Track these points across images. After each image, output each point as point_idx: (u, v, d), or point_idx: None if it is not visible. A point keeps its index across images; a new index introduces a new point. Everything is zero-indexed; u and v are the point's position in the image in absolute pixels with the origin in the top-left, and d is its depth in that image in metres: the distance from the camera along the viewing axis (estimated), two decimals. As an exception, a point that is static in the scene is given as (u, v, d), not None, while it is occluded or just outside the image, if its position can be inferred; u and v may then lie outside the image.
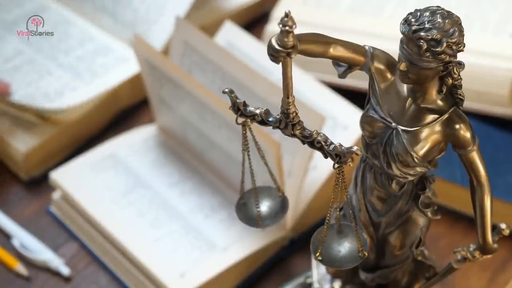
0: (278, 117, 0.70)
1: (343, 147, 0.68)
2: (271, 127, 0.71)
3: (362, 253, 0.73)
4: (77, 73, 1.13)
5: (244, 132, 0.73)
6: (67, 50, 1.16)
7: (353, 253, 0.73)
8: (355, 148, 0.67)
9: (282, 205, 0.78)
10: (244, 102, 0.71)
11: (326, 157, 0.70)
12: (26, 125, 1.08)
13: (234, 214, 0.78)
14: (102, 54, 1.15)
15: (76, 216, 1.02)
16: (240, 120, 0.71)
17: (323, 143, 0.69)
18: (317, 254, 0.73)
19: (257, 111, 0.71)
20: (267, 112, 0.71)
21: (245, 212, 0.78)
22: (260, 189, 0.77)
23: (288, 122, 0.69)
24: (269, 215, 0.77)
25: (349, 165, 0.68)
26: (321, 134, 0.69)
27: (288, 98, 0.68)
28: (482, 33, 1.08)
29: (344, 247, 0.74)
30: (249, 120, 0.71)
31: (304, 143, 0.70)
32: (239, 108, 0.71)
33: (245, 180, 0.77)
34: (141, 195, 1.02)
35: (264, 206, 0.77)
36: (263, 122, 0.71)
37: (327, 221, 0.73)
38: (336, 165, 0.69)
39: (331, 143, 0.69)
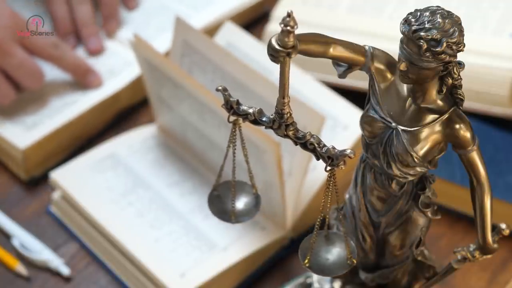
0: (271, 117, 0.70)
1: (336, 150, 0.68)
2: (264, 126, 0.71)
3: (350, 261, 0.73)
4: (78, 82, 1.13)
5: (233, 130, 0.73)
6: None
7: (341, 261, 0.73)
8: (348, 151, 0.67)
9: (256, 202, 0.78)
10: (237, 100, 0.70)
11: (318, 159, 0.69)
12: (26, 124, 1.08)
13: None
14: (104, 60, 1.16)
15: (76, 216, 1.02)
16: (232, 118, 0.71)
17: (316, 145, 0.69)
18: (306, 261, 0.73)
19: (250, 110, 0.70)
20: (260, 112, 0.70)
21: (218, 205, 0.77)
22: (235, 184, 0.77)
23: (281, 122, 0.69)
24: (244, 211, 0.77)
25: (341, 168, 0.68)
26: (314, 136, 0.69)
27: (283, 98, 0.68)
28: (482, 33, 1.08)
29: (333, 254, 0.73)
30: (240, 119, 0.71)
31: (296, 145, 0.70)
32: (232, 106, 0.71)
33: (223, 175, 0.77)
34: (141, 195, 1.02)
35: (240, 202, 0.77)
36: (256, 122, 0.71)
37: (316, 227, 0.73)
38: (328, 168, 0.69)
39: (324, 145, 0.69)
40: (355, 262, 0.73)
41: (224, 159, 0.75)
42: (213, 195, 0.78)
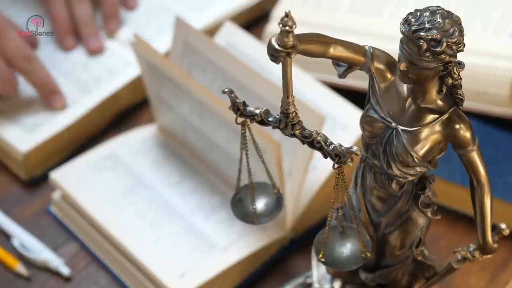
0: (278, 117, 0.70)
1: (342, 147, 0.68)
2: (271, 127, 0.71)
3: (365, 254, 0.73)
4: (78, 82, 1.13)
5: (243, 131, 0.73)
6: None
7: (356, 254, 0.73)
8: (355, 148, 0.67)
9: (277, 202, 0.78)
10: (244, 102, 0.71)
11: (325, 157, 0.70)
12: (27, 125, 1.08)
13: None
14: (104, 60, 1.15)
15: (76, 216, 1.02)
16: (240, 120, 0.72)
17: (323, 143, 0.69)
18: (320, 256, 0.73)
19: (257, 111, 0.71)
20: (267, 112, 0.71)
21: (241, 208, 0.78)
22: (256, 185, 0.77)
23: (287, 122, 0.69)
24: (265, 212, 0.77)
25: (349, 165, 0.68)
26: (321, 134, 0.69)
27: (288, 98, 0.68)
28: (482, 33, 1.08)
29: (347, 248, 0.74)
30: (248, 120, 0.72)
31: (303, 143, 0.71)
32: (238, 108, 0.71)
33: (242, 178, 0.77)
34: (141, 195, 1.02)
35: (260, 203, 0.78)
36: (263, 122, 0.71)
37: (328, 222, 0.73)
38: (336, 165, 0.69)
39: (331, 143, 0.69)
40: (369, 255, 0.73)
41: (240, 163, 0.75)
42: (236, 199, 0.78)
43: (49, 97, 1.09)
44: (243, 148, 0.74)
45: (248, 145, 0.74)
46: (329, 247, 0.73)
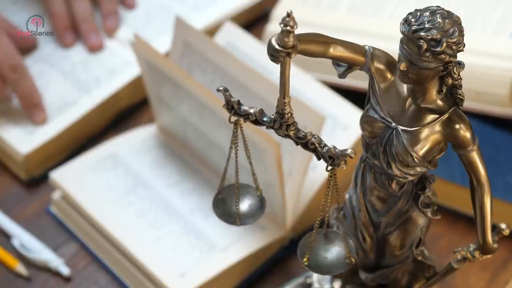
0: (272, 117, 0.70)
1: (337, 150, 0.68)
2: (265, 126, 0.71)
3: (349, 260, 0.73)
4: (78, 82, 1.13)
5: (235, 130, 0.73)
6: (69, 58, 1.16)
7: (340, 259, 0.73)
8: (349, 150, 0.67)
9: (261, 204, 0.78)
10: (238, 101, 0.70)
11: (319, 159, 0.69)
12: (27, 127, 1.08)
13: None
14: (104, 60, 1.15)
15: (76, 216, 1.02)
16: (233, 119, 0.71)
17: (317, 145, 0.69)
18: (304, 259, 0.73)
19: (251, 110, 0.70)
20: (262, 112, 0.70)
21: (223, 208, 0.77)
22: (239, 186, 0.77)
23: (282, 122, 0.69)
24: (249, 213, 0.77)
25: (342, 167, 0.68)
26: (315, 136, 0.69)
27: (284, 98, 0.68)
28: (482, 33, 1.08)
29: (331, 253, 0.74)
30: (241, 119, 0.71)
31: (297, 144, 0.70)
32: (233, 107, 0.71)
33: (227, 178, 0.77)
34: (141, 195, 1.02)
35: (244, 204, 0.77)
36: (257, 122, 0.71)
37: (316, 225, 0.73)
38: (329, 168, 0.69)
39: (325, 145, 0.69)
40: (353, 261, 0.73)
41: (227, 161, 0.75)
42: (218, 199, 0.78)
43: (31, 110, 1.08)
44: (232, 147, 0.74)
45: (239, 145, 0.74)
46: (314, 251, 0.73)
